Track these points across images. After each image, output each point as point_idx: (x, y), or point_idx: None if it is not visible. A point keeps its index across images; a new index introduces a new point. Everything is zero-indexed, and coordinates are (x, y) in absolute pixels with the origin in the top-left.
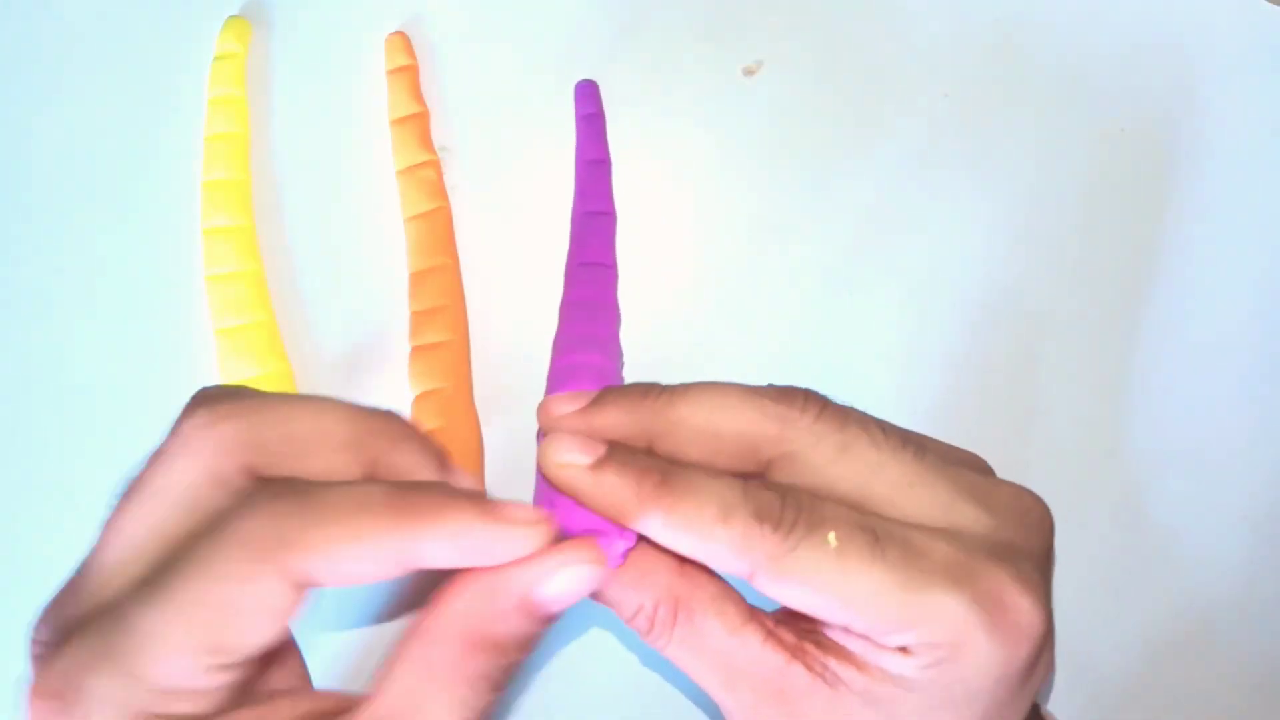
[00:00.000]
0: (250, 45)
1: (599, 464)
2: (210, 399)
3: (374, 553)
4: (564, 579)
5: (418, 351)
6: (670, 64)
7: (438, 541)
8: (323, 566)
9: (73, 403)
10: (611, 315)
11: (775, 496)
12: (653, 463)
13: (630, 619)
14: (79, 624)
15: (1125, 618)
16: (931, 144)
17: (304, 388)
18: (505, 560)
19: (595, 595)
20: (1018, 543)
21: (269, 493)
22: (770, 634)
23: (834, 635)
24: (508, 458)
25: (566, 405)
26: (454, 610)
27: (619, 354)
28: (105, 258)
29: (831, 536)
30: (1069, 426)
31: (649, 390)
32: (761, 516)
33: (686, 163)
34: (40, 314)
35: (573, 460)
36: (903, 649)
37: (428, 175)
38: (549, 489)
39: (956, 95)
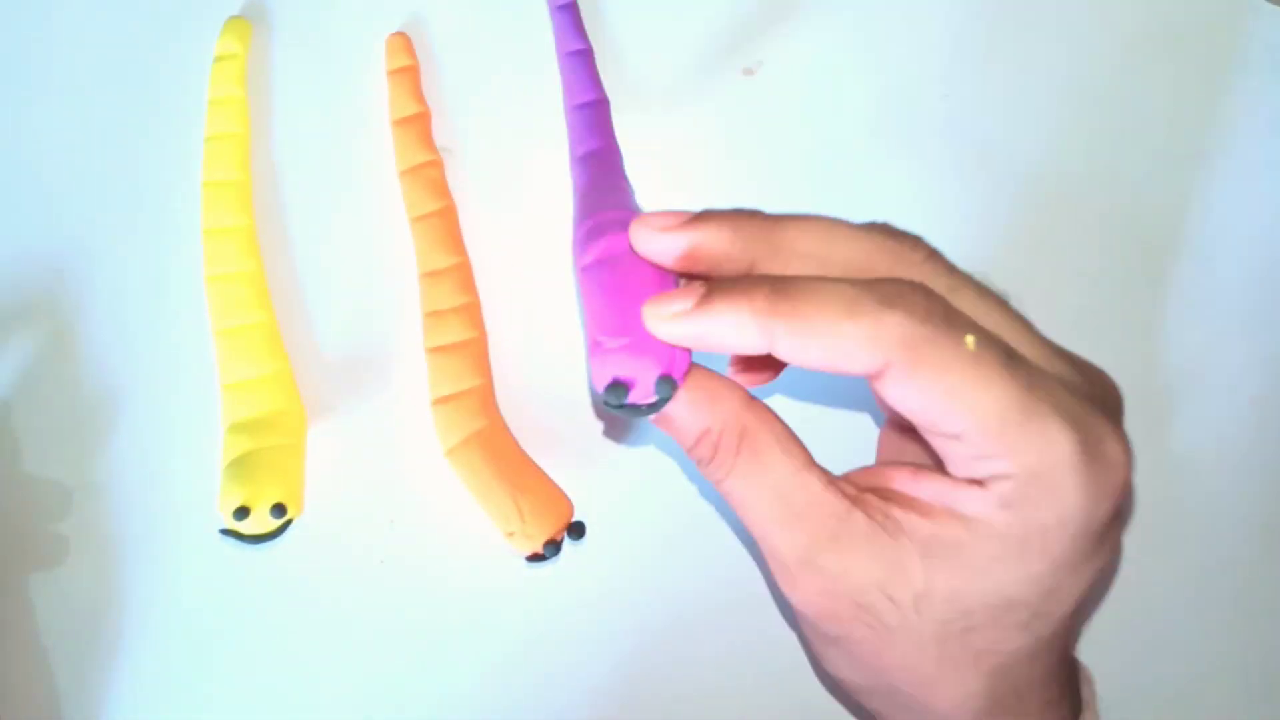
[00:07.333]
0: (250, 45)
1: (703, 300)
2: None
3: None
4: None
5: (438, 353)
6: (670, 64)
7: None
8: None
9: (73, 402)
10: (624, 189)
11: (903, 284)
12: (756, 279)
13: (694, 445)
14: None
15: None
16: (932, 144)
17: (304, 387)
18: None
19: (661, 420)
20: (1105, 402)
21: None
22: (832, 481)
23: (901, 485)
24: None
25: (664, 220)
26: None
27: None
28: (105, 258)
29: (970, 340)
30: None
31: (754, 212)
32: (890, 303)
33: (686, 162)
34: (41, 314)
35: (677, 309)
36: (981, 481)
37: (432, 175)
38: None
39: (956, 95)
